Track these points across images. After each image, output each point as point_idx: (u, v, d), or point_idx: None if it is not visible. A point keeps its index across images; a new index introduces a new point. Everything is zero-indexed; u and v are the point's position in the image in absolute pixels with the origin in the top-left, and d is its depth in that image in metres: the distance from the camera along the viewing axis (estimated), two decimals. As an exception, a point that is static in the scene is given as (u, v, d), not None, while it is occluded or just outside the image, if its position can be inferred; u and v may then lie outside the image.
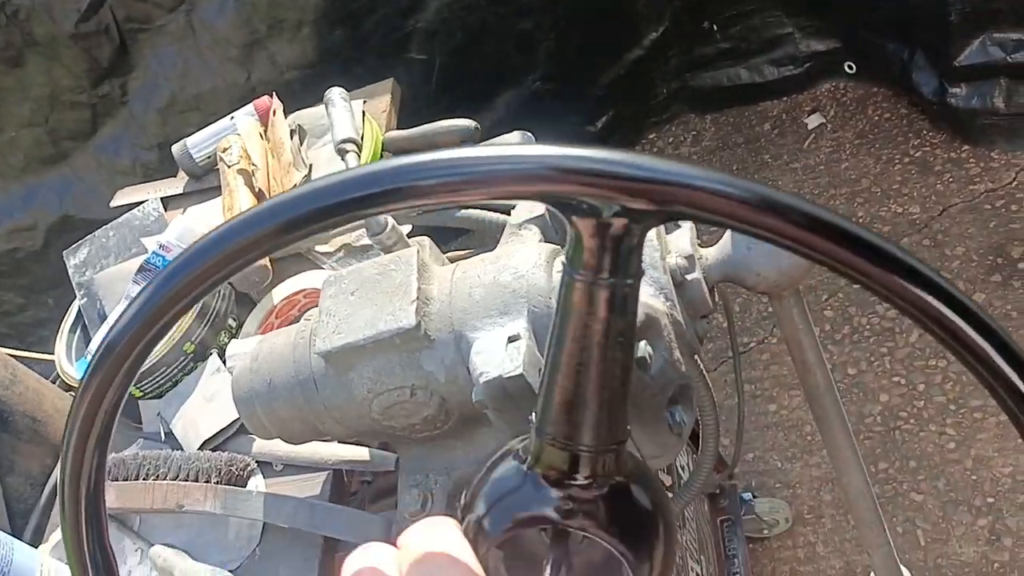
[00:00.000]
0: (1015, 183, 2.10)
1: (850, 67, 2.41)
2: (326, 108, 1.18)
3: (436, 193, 0.45)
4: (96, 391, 0.52)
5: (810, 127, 2.46)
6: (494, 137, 1.29)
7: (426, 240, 0.96)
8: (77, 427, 0.53)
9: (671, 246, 0.83)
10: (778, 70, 2.47)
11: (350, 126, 1.12)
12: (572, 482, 0.57)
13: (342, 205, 0.46)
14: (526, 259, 0.87)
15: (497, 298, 0.85)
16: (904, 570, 1.00)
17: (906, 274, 0.42)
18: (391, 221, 0.97)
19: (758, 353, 2.15)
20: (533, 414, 0.59)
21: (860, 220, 2.22)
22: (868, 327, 2.06)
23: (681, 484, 1.39)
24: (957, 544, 1.74)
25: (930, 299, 0.42)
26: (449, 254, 1.15)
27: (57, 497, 0.56)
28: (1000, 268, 2.00)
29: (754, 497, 1.86)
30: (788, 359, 2.11)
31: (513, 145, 0.44)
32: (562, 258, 0.48)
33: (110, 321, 1.25)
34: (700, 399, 1.06)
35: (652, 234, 0.81)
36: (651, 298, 0.79)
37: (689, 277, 0.82)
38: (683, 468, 1.56)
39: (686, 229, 0.85)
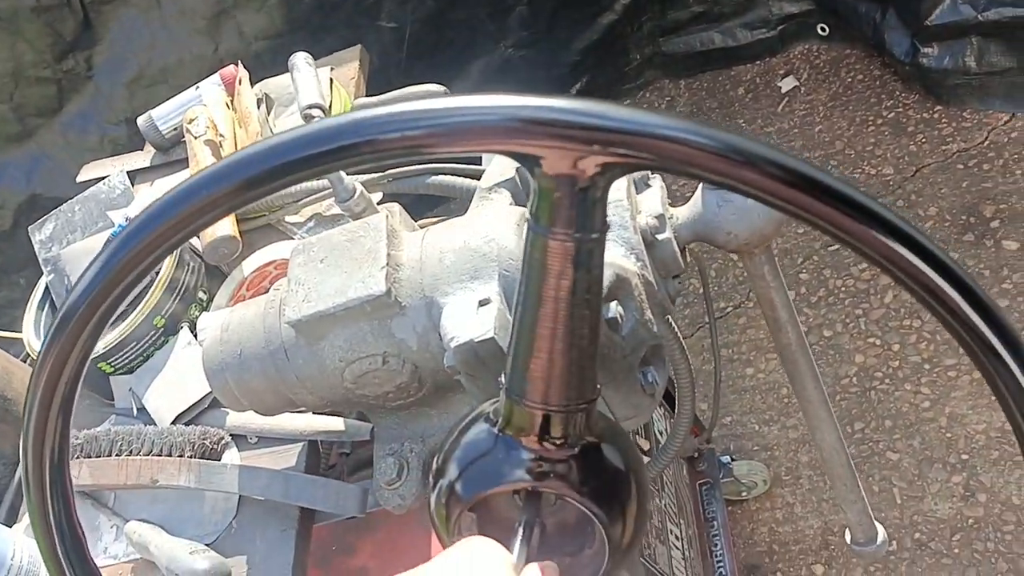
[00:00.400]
0: (987, 142, 2.11)
1: (823, 29, 2.40)
2: (291, 74, 1.16)
3: (396, 147, 0.44)
4: (56, 358, 0.51)
5: (784, 90, 2.45)
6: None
7: (395, 206, 0.95)
8: (38, 396, 0.52)
9: (641, 206, 0.83)
10: (751, 33, 2.46)
11: (315, 91, 1.10)
12: (543, 443, 0.57)
13: (302, 161, 0.45)
14: (496, 222, 0.86)
15: (468, 262, 0.84)
16: (878, 525, 1.01)
17: (880, 225, 0.42)
18: (359, 187, 0.96)
19: (735, 317, 2.15)
20: (502, 375, 0.58)
21: (834, 182, 2.22)
22: (843, 289, 2.07)
23: (659, 447, 1.39)
24: (932, 501, 1.76)
25: (904, 252, 0.42)
26: (421, 222, 1.14)
27: (20, 469, 0.55)
28: (973, 227, 2.01)
29: (732, 460, 1.87)
30: (764, 323, 2.12)
31: (476, 96, 0.43)
32: (527, 213, 0.47)
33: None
34: (674, 361, 1.06)
35: (622, 193, 0.81)
36: (622, 258, 0.78)
37: (660, 237, 0.81)
38: (661, 433, 1.57)
39: (656, 188, 0.84)
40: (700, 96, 2.57)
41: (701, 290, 2.25)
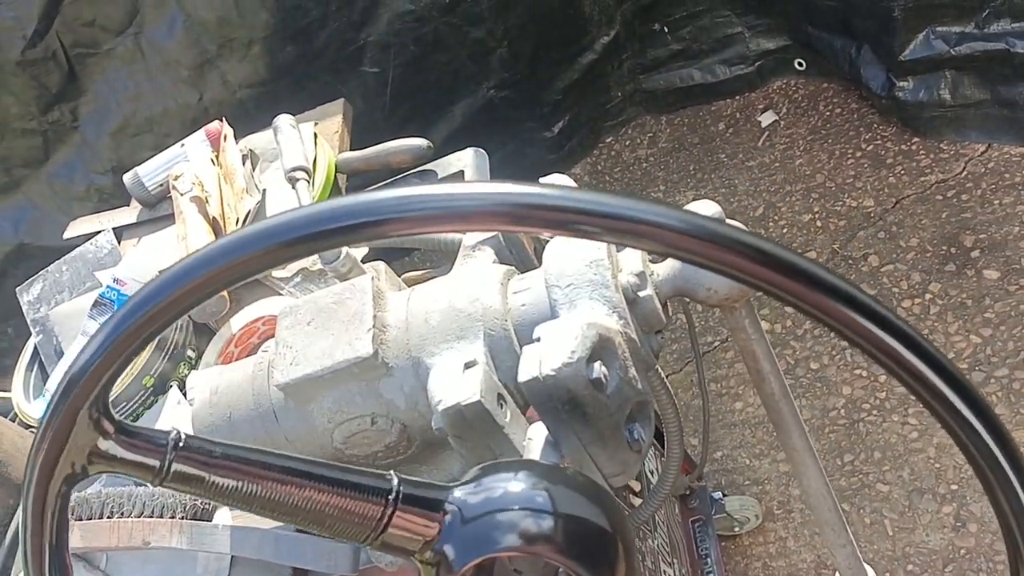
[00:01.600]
0: (965, 173, 2.14)
1: (800, 64, 2.44)
2: (275, 136, 1.17)
3: (421, 223, 0.46)
4: (57, 431, 0.52)
5: (764, 124, 2.49)
6: (449, 151, 1.30)
7: (381, 265, 0.96)
8: (37, 470, 0.53)
9: (622, 264, 0.84)
10: (730, 69, 2.49)
11: (299, 153, 1.12)
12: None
13: (299, 241, 0.48)
14: (480, 282, 0.88)
15: (453, 323, 0.86)
16: (868, 568, 1.02)
17: (843, 299, 0.44)
18: (344, 249, 0.97)
19: (722, 351, 2.17)
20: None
21: (816, 215, 2.25)
22: (828, 321, 2.08)
23: (650, 489, 1.40)
24: (924, 532, 1.76)
25: (884, 335, 0.44)
26: (405, 275, 1.16)
27: (20, 548, 0.56)
28: (954, 257, 2.03)
29: (724, 495, 1.87)
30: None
31: (468, 183, 0.45)
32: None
33: (67, 360, 1.23)
34: (661, 404, 1.07)
35: (602, 253, 0.82)
36: (604, 317, 0.79)
37: (641, 294, 0.82)
38: (652, 472, 1.57)
39: (637, 247, 0.86)
40: (681, 131, 2.60)
41: (687, 326, 2.26)
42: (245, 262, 0.48)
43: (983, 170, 2.12)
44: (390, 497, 0.57)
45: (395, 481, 0.58)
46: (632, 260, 0.84)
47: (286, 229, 0.48)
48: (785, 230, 2.26)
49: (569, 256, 0.83)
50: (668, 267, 0.85)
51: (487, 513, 0.60)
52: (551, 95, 2.47)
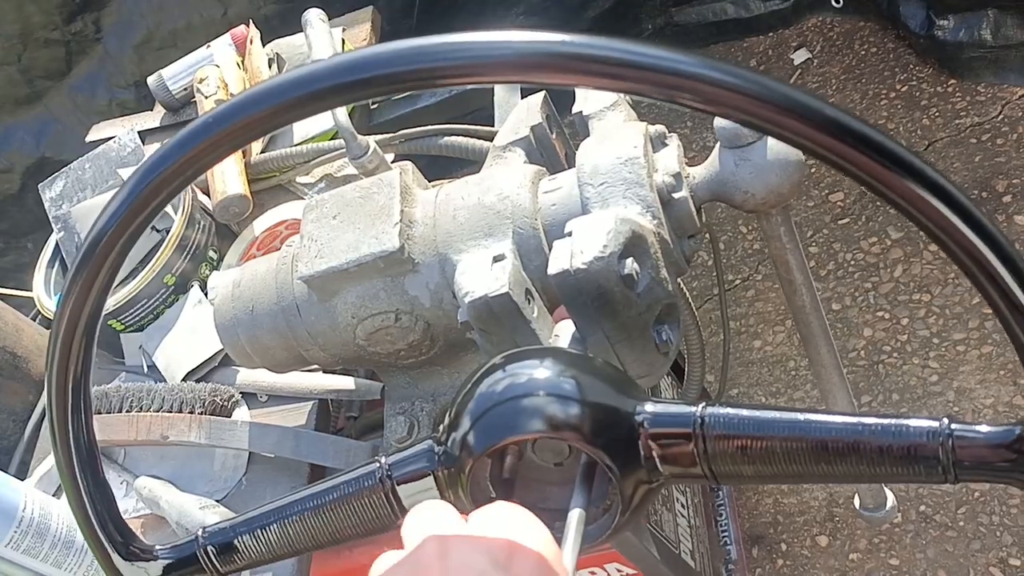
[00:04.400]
0: (1001, 117, 2.09)
1: (836, 1, 2.37)
2: (304, 31, 1.15)
3: (464, 73, 0.44)
4: (82, 287, 0.52)
5: (796, 63, 2.43)
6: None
7: (409, 164, 0.94)
8: (66, 317, 0.53)
9: (658, 164, 0.82)
10: (764, 4, 2.43)
11: (329, 47, 1.09)
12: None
13: (337, 88, 0.46)
14: (510, 180, 0.86)
15: (482, 219, 0.84)
16: (888, 491, 1.01)
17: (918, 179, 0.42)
18: (372, 144, 0.96)
19: (743, 290, 2.15)
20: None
21: (846, 156, 2.20)
22: (853, 263, 2.06)
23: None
24: (938, 474, 1.76)
25: (939, 205, 0.41)
26: (434, 183, 1.14)
27: (46, 420, 0.56)
28: (985, 202, 2.00)
29: (738, 431, 1.87)
30: (773, 296, 2.11)
31: (509, 31, 0.43)
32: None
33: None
34: (685, 327, 1.06)
35: (639, 151, 0.80)
36: (637, 215, 0.77)
37: (676, 195, 0.80)
38: (669, 401, 1.56)
39: (673, 147, 0.84)
40: (712, 68, 2.55)
41: (710, 262, 2.24)
42: (281, 108, 0.47)
43: (1020, 114, 2.07)
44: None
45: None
46: (668, 160, 0.82)
47: (326, 75, 0.46)
48: (813, 170, 2.23)
49: (603, 154, 0.81)
50: (705, 169, 0.83)
51: (513, 398, 0.59)
52: (581, 24, 2.42)
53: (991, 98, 2.12)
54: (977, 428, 0.47)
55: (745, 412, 0.53)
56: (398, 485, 0.58)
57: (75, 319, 0.52)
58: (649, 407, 0.55)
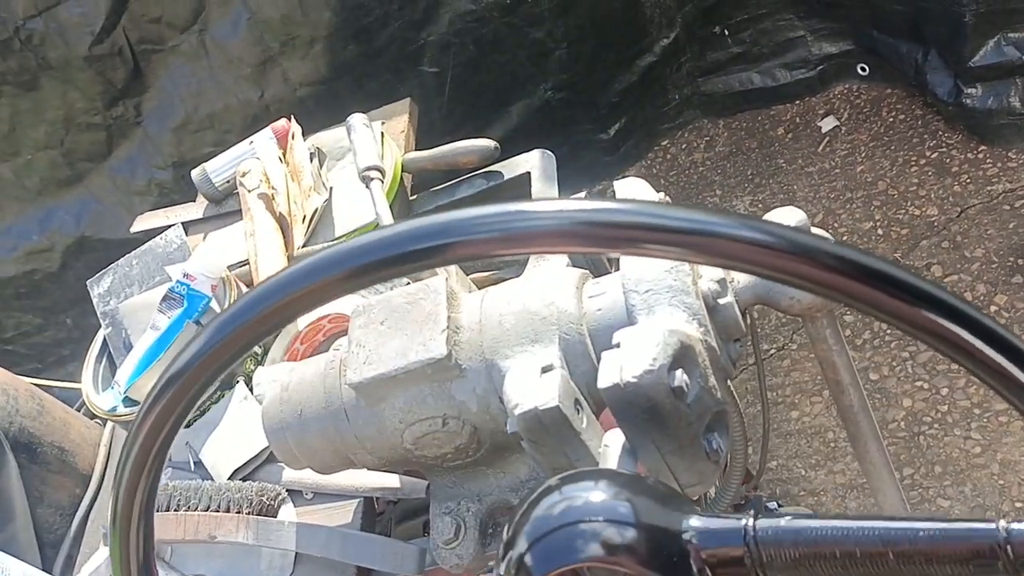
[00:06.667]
0: (1034, 183, 2.09)
1: (863, 69, 2.40)
2: (348, 134, 1.18)
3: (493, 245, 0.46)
4: (154, 423, 0.53)
5: (824, 130, 2.45)
6: (506, 152, 1.29)
7: (452, 267, 0.96)
8: (132, 460, 0.54)
9: (702, 270, 0.83)
10: (790, 73, 2.46)
11: (374, 153, 1.12)
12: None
13: (397, 258, 0.47)
14: (555, 286, 0.87)
15: (528, 326, 0.85)
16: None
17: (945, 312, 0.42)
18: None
19: (778, 360, 2.14)
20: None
21: (877, 223, 2.21)
22: (889, 332, 2.05)
23: (709, 501, 1.38)
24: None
25: (964, 334, 0.42)
26: (471, 277, 1.15)
27: (108, 537, 0.57)
28: (1021, 269, 1.99)
29: (779, 506, 1.85)
30: (809, 365, 2.10)
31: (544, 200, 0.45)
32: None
33: (137, 352, 1.24)
34: (731, 422, 1.05)
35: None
36: (684, 324, 0.78)
37: (721, 301, 0.81)
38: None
39: (717, 253, 0.84)
40: (739, 136, 2.57)
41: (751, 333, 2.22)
42: (330, 283, 0.48)
43: (1053, 180, 2.06)
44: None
45: None
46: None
47: (368, 250, 0.47)
48: (845, 238, 2.22)
49: (648, 261, 0.82)
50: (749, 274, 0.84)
51: (569, 523, 0.59)
52: (608, 97, 2.45)
53: (1022, 164, 2.12)
54: None
55: (797, 523, 0.53)
56: None
57: (140, 466, 0.53)
58: (695, 522, 0.56)
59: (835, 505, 1.89)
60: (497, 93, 2.36)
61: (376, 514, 1.12)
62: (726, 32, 2.43)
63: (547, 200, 0.45)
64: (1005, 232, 2.05)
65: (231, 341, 0.51)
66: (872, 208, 2.24)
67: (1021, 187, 2.09)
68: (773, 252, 0.42)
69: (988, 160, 2.17)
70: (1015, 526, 0.47)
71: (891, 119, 2.37)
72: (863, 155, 2.35)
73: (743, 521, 0.53)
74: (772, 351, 2.15)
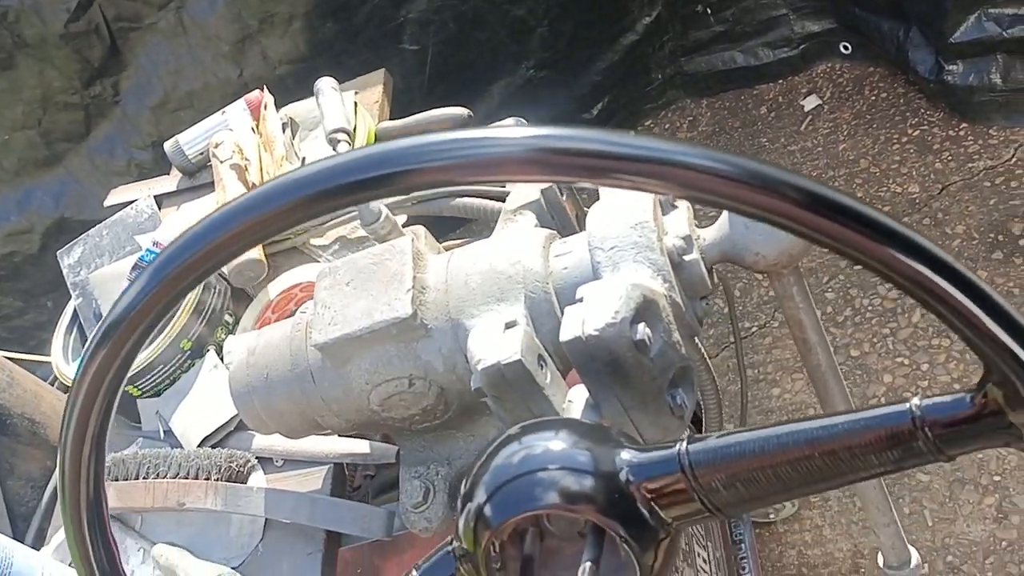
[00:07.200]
0: (1014, 159, 2.08)
1: (845, 47, 2.39)
2: (316, 99, 1.17)
3: (449, 172, 0.44)
4: (95, 375, 0.52)
5: (807, 109, 2.44)
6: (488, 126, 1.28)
7: (420, 229, 0.95)
8: (76, 414, 0.53)
9: (668, 227, 0.82)
10: (773, 52, 2.45)
11: (341, 115, 1.11)
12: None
13: (341, 189, 0.46)
14: (522, 245, 0.86)
15: (493, 285, 0.84)
16: (911, 548, 0.99)
17: (904, 248, 0.42)
18: (384, 210, 0.97)
19: (760, 337, 2.14)
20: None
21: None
22: (870, 308, 2.05)
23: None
24: (964, 523, 1.73)
25: (928, 272, 0.42)
26: (445, 243, 1.15)
27: (58, 488, 0.56)
28: (1001, 245, 1.99)
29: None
30: (790, 343, 2.10)
31: (503, 127, 0.44)
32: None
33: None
34: (702, 382, 1.05)
35: (648, 215, 0.80)
36: (649, 279, 0.78)
37: (687, 258, 0.81)
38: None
39: (683, 209, 0.84)
40: (722, 115, 2.56)
41: (726, 310, 2.23)
42: (268, 218, 0.47)
43: (1033, 156, 2.06)
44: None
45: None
46: (678, 223, 0.82)
47: (309, 182, 0.46)
48: (827, 216, 2.22)
49: (613, 218, 0.82)
50: (715, 231, 0.83)
51: (528, 472, 0.59)
52: (591, 76, 2.45)
53: (1003, 141, 2.12)
54: (943, 398, 0.47)
55: (727, 439, 0.53)
56: None
57: (84, 421, 0.52)
58: (627, 455, 0.55)
59: (815, 481, 1.89)
60: (478, 72, 2.35)
61: (353, 488, 1.12)
62: (708, 11, 2.43)
63: (511, 127, 0.43)
64: (985, 209, 2.05)
65: (171, 282, 0.50)
66: (854, 186, 2.24)
67: (1001, 164, 2.10)
68: (742, 185, 0.42)
69: (969, 137, 2.17)
70: (927, 402, 0.47)
71: (873, 97, 2.37)
72: (845, 133, 2.35)
73: (675, 447, 0.53)
74: (754, 329, 2.15)
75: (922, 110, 2.27)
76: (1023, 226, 1.99)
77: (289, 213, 0.47)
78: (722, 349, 2.16)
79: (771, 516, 1.87)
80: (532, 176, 0.45)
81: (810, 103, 2.45)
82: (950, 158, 2.17)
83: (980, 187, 2.09)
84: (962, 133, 2.19)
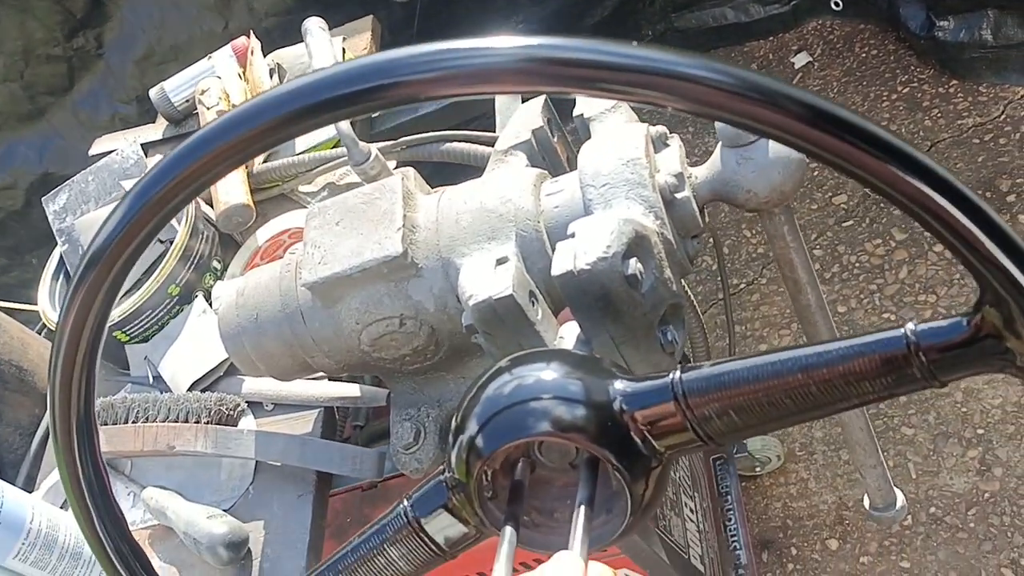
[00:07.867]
0: (1003, 116, 2.09)
1: (836, 4, 2.38)
2: (304, 39, 1.15)
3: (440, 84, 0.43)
4: (82, 303, 0.52)
5: (797, 66, 2.43)
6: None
7: (410, 170, 0.95)
8: (64, 345, 0.52)
9: (660, 164, 0.82)
10: (764, 9, 2.44)
11: (330, 56, 1.10)
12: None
13: (325, 104, 0.45)
14: (512, 183, 0.86)
15: (484, 223, 0.84)
16: (897, 491, 1.00)
17: (904, 164, 0.42)
18: (374, 151, 0.96)
19: (748, 294, 2.14)
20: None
21: (848, 158, 2.20)
22: (857, 265, 2.06)
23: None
24: (948, 476, 1.75)
25: (926, 189, 0.42)
26: (436, 189, 1.14)
27: (47, 416, 0.56)
28: (990, 202, 1.98)
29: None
30: (778, 299, 2.10)
31: (479, 39, 0.43)
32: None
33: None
34: (689, 329, 1.05)
35: (640, 152, 0.80)
36: (640, 216, 0.77)
37: (679, 195, 0.80)
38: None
39: (675, 147, 0.83)
40: (712, 73, 2.55)
41: (715, 267, 2.23)
42: (251, 136, 0.46)
43: (1022, 113, 2.06)
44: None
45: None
46: (670, 161, 0.82)
47: (292, 98, 0.45)
48: (816, 173, 2.23)
49: (605, 155, 0.81)
50: (706, 169, 0.83)
51: (521, 401, 0.59)
52: (581, 31, 2.42)
53: (993, 98, 2.12)
54: (939, 323, 0.47)
55: (719, 368, 0.53)
56: (424, 524, 0.58)
57: (76, 336, 0.52)
58: (621, 385, 0.55)
59: (801, 435, 1.91)
60: (468, 27, 2.32)
61: (343, 439, 1.11)
62: (700, -34, 2.41)
63: (501, 37, 0.42)
64: (974, 166, 2.06)
65: (156, 204, 0.49)
66: (843, 143, 2.23)
67: (990, 120, 2.10)
68: (743, 98, 0.41)
69: (959, 94, 2.17)
70: (922, 327, 0.47)
71: (864, 54, 2.36)
72: (835, 91, 2.34)
73: (669, 376, 0.53)
74: (742, 286, 2.15)
75: (912, 67, 2.27)
76: (1011, 183, 2.00)
77: (272, 130, 0.46)
78: (710, 306, 2.17)
79: (757, 469, 1.88)
80: (525, 87, 0.43)
81: (800, 60, 2.44)
82: (939, 115, 2.17)
83: (969, 144, 2.09)
84: (952, 90, 2.18)
